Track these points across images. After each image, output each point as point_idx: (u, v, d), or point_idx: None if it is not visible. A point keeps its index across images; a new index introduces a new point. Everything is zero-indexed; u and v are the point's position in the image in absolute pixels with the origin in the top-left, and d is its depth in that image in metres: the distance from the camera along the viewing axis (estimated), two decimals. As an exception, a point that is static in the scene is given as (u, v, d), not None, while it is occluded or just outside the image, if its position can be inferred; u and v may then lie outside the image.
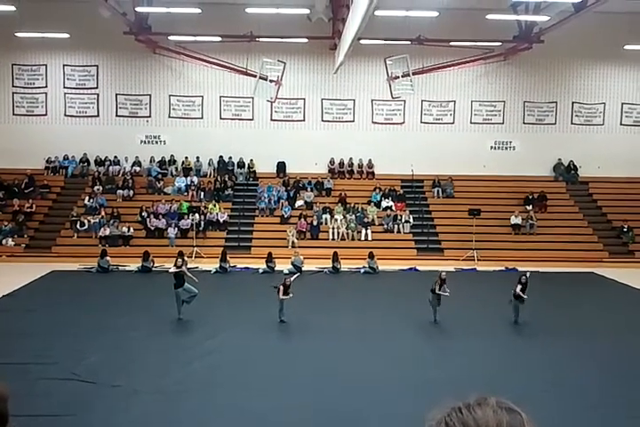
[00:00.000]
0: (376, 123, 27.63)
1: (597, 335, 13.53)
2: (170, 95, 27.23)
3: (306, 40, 25.35)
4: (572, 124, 28.01)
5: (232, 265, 21.24)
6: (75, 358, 11.22)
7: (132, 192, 25.87)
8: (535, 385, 10.17)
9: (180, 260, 14.68)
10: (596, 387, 10.28)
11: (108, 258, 20.77)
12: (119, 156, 27.07)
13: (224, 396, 9.63)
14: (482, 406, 1.40)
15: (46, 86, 27.03)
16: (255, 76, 23.50)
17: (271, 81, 23.39)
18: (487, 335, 13.29)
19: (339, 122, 27.58)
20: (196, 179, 26.57)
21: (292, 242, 23.41)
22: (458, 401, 1.43)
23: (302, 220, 24.36)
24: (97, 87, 27.12)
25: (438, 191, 26.66)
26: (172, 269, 14.40)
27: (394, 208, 25.65)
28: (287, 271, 20.55)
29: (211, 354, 11.69)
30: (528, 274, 14.45)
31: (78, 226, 23.68)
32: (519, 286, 13.98)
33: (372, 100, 27.42)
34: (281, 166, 27.37)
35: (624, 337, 13.39)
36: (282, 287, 13.90)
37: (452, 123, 27.74)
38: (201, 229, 23.94)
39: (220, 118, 27.40)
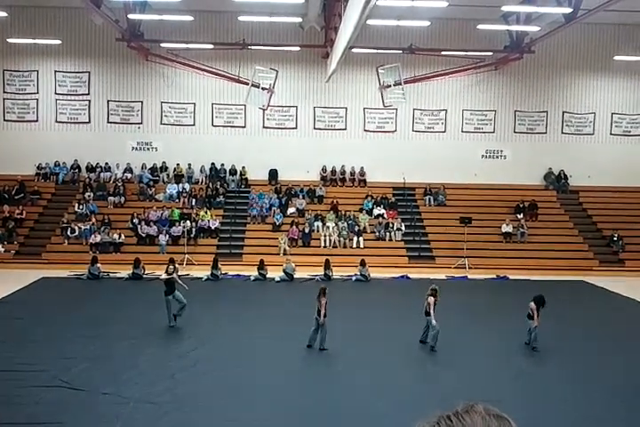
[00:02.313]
0: (368, 131, 27.70)
1: (589, 346, 13.55)
2: (162, 102, 27.21)
3: (298, 48, 25.47)
4: (562, 133, 28.19)
5: (223, 272, 21.17)
6: (64, 365, 11.13)
7: (123, 199, 25.79)
8: (530, 400, 10.18)
9: (171, 267, 14.61)
10: (595, 399, 10.29)
11: (98, 265, 20.65)
12: (110, 162, 26.99)
13: (213, 405, 9.58)
14: (470, 414, 1.41)
15: (37, 92, 26.95)
16: (247, 84, 23.55)
17: (263, 89, 23.46)
18: (480, 347, 13.25)
19: (331, 130, 27.63)
20: (187, 186, 26.53)
21: (284, 249, 23.38)
22: (445, 410, 1.43)
23: (294, 227, 24.35)
24: (88, 93, 27.07)
25: (430, 199, 26.73)
26: (163, 276, 14.35)
27: (385, 216, 25.68)
28: (279, 279, 20.55)
29: (200, 362, 11.62)
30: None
31: (69, 233, 23.57)
32: (532, 304, 12.67)
33: (364, 109, 27.50)
34: (273, 174, 27.38)
35: (615, 348, 13.43)
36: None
37: (444, 131, 27.86)
38: (192, 236, 23.88)
39: (212, 125, 27.39)
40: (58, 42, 25.60)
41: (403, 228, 25.04)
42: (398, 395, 10.09)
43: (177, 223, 24.23)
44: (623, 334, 14.63)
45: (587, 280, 21.68)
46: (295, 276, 20.86)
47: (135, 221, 24.19)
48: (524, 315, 12.96)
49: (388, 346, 12.91)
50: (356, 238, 24.38)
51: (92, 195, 25.73)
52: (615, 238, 24.79)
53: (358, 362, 11.86)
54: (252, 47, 24.77)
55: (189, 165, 27.08)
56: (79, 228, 23.68)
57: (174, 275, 14.27)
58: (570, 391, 10.50)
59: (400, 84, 23.55)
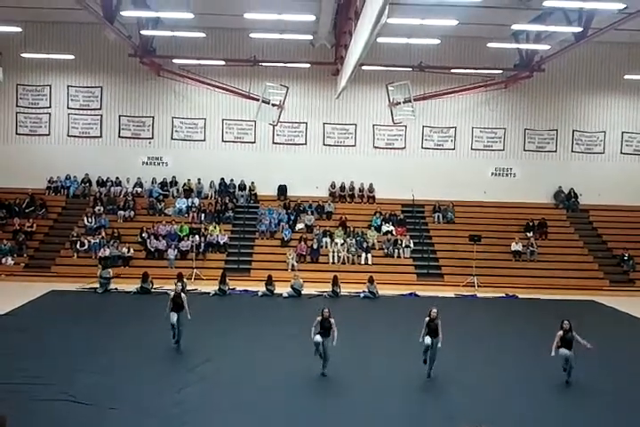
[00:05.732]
0: (377, 147, 27.76)
1: (604, 369, 13.38)
2: (173, 117, 27.41)
3: (308, 65, 25.65)
4: (572, 151, 28.15)
5: (231, 287, 21.12)
6: (71, 379, 11.09)
7: (132, 213, 25.88)
8: (534, 423, 10.05)
9: (179, 285, 14.69)
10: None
11: (109, 269, 21.12)
12: (121, 176, 27.15)
13: (220, 420, 9.50)
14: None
15: (50, 107, 27.23)
16: (258, 100, 23.73)
17: (274, 105, 23.62)
18: (487, 368, 13.11)
19: (340, 146, 27.72)
20: (197, 200, 26.62)
21: (292, 265, 23.35)
22: None
23: (302, 243, 24.32)
24: (100, 108, 27.32)
25: (439, 217, 26.68)
26: (173, 294, 14.10)
27: (394, 233, 25.62)
28: (286, 294, 20.49)
29: (207, 378, 11.56)
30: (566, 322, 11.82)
31: (78, 246, 23.65)
32: (560, 333, 11.68)
33: (373, 125, 27.59)
34: (282, 189, 27.43)
35: (625, 369, 13.26)
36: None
37: (453, 149, 27.88)
38: (201, 250, 23.90)
39: (223, 141, 27.55)
40: (71, 57, 25.89)
41: (411, 245, 24.96)
42: (402, 415, 9.97)
43: (186, 238, 24.26)
44: (634, 355, 14.42)
45: (597, 300, 21.48)
46: (303, 292, 20.78)
47: (144, 235, 24.25)
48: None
49: (393, 364, 12.79)
50: (364, 255, 24.31)
51: (102, 209, 25.84)
52: (626, 258, 24.61)
53: (363, 380, 11.73)
54: (263, 64, 24.98)
55: (199, 179, 27.20)
56: (89, 241, 23.76)
57: (182, 295, 13.98)
58: (576, 415, 10.35)
59: (410, 101, 23.64)
